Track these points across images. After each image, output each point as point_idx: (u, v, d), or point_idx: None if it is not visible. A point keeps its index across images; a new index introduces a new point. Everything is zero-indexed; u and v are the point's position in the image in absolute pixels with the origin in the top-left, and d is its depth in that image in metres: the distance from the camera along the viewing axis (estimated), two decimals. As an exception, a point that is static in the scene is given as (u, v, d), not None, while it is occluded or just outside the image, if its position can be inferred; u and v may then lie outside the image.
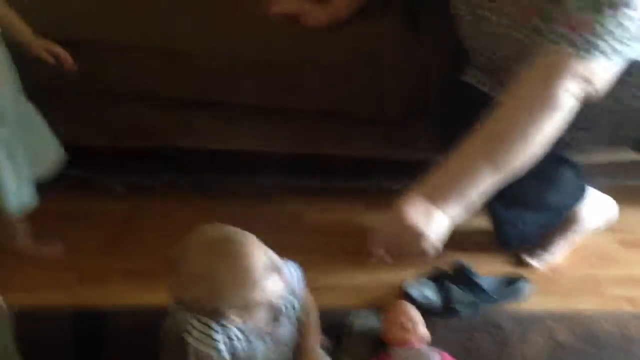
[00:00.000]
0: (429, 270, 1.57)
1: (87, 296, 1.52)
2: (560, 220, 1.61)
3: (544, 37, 1.18)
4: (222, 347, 1.15)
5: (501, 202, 1.46)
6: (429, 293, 1.53)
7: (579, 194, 1.57)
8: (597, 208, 1.64)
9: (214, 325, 1.14)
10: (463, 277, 1.52)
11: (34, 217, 1.57)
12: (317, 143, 1.68)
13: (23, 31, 1.35)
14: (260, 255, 1.11)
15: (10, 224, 1.55)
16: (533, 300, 1.57)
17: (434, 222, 1.12)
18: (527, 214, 1.56)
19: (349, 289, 1.60)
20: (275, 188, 1.81)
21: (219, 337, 1.14)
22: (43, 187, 1.62)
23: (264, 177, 1.78)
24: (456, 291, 1.51)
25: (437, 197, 1.12)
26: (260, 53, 1.54)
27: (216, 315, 1.13)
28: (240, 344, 1.18)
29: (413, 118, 1.62)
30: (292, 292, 1.24)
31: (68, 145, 1.60)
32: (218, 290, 1.10)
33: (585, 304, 1.58)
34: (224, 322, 1.15)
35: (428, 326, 1.44)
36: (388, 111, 1.62)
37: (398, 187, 1.68)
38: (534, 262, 1.66)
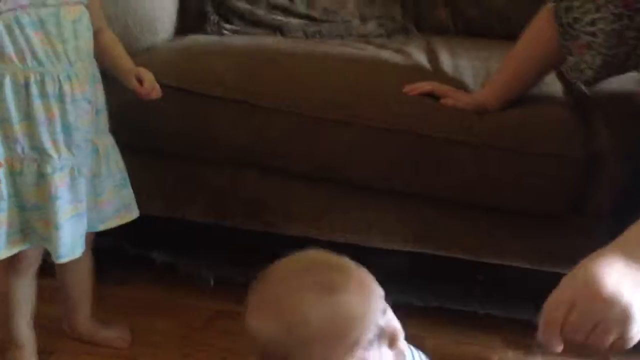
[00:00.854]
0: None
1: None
2: None
3: None
4: None
5: None
6: None
7: None
8: None
9: None
10: None
11: (105, 301, 1.39)
12: (450, 242, 1.35)
13: (123, 61, 1.19)
14: (370, 302, 0.75)
15: (72, 302, 1.33)
16: None
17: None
18: None
19: None
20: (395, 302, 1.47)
21: None
22: (121, 270, 1.48)
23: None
24: None
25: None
26: (397, 122, 1.29)
27: None
28: None
29: (581, 222, 1.28)
30: None
31: (155, 217, 1.40)
32: (294, 333, 0.74)
33: None
34: None
35: None
36: (544, 207, 1.28)
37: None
38: None
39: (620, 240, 0.78)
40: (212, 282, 1.50)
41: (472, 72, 1.48)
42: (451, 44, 1.63)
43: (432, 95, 1.34)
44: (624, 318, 0.73)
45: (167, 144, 1.36)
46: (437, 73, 1.45)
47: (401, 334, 0.77)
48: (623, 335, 0.74)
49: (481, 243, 1.33)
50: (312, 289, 0.74)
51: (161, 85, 1.20)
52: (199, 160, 1.38)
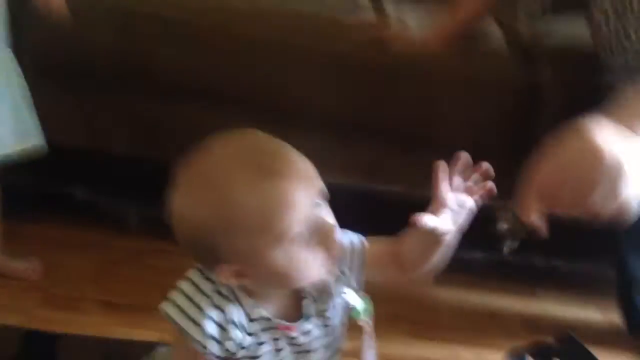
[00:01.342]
0: (525, 346, 1.10)
1: (49, 320, 1.14)
2: None
3: None
4: (210, 327, 0.73)
5: (636, 248, 1.06)
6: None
7: None
8: None
9: (208, 288, 0.74)
10: (576, 354, 1.04)
11: (18, 239, 1.28)
12: (395, 177, 1.32)
13: None
14: (305, 193, 0.70)
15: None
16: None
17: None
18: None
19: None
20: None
21: (210, 309, 0.73)
22: (38, 207, 1.38)
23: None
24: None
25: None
26: (341, 51, 1.26)
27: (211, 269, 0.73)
28: (238, 336, 0.74)
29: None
30: (343, 278, 0.81)
31: (77, 150, 1.32)
32: (222, 215, 0.69)
33: None
34: (223, 291, 0.74)
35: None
36: (489, 141, 1.25)
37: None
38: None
39: (612, 107, 0.74)
40: (135, 222, 1.41)
41: (417, 20, 1.47)
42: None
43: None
44: (614, 180, 0.67)
45: (90, 69, 1.28)
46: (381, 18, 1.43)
47: (335, 234, 0.73)
48: (616, 202, 0.68)
49: (427, 179, 1.30)
50: (246, 171, 0.70)
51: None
52: (127, 88, 1.30)
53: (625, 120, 0.70)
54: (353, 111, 1.27)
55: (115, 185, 1.42)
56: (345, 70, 1.26)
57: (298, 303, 0.79)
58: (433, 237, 0.73)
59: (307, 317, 0.79)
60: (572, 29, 1.30)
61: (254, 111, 1.29)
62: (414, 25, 1.41)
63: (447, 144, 1.27)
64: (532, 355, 1.06)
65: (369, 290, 0.94)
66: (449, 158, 1.27)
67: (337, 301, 0.81)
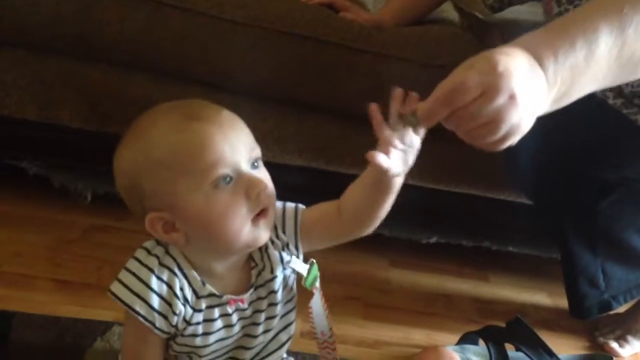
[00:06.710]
0: (478, 330, 1.13)
1: (1, 298, 1.10)
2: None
3: None
4: (155, 301, 0.75)
5: (580, 239, 1.10)
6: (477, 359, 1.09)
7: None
8: None
9: (154, 263, 0.76)
10: (524, 336, 1.07)
11: None
12: (346, 156, 1.31)
13: None
14: (227, 138, 0.72)
15: None
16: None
17: (536, 83, 0.68)
18: (612, 265, 1.14)
19: (368, 344, 1.17)
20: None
21: (154, 283, 0.75)
22: None
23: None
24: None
25: (540, 48, 0.70)
26: (297, 26, 1.23)
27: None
28: (182, 310, 0.76)
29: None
30: (280, 243, 0.81)
31: (28, 122, 1.28)
32: (145, 154, 0.72)
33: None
34: (169, 265, 0.76)
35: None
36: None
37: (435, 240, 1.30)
38: (617, 347, 1.21)
39: (524, 40, 0.72)
40: (89, 197, 1.38)
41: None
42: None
43: (332, 9, 1.32)
44: (522, 125, 0.67)
45: (43, 37, 1.23)
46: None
47: (263, 187, 0.73)
48: (504, 141, 0.68)
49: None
50: (170, 116, 0.73)
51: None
52: (81, 58, 1.26)
53: (527, 49, 0.70)
54: (309, 90, 1.25)
55: (68, 160, 1.39)
56: (302, 47, 1.22)
57: (248, 275, 0.81)
58: (384, 181, 0.73)
59: (256, 287, 0.80)
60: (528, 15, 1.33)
61: (206, 86, 1.26)
62: (370, 3, 1.43)
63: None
64: (484, 338, 1.10)
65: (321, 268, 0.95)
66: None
67: (286, 272, 0.82)
